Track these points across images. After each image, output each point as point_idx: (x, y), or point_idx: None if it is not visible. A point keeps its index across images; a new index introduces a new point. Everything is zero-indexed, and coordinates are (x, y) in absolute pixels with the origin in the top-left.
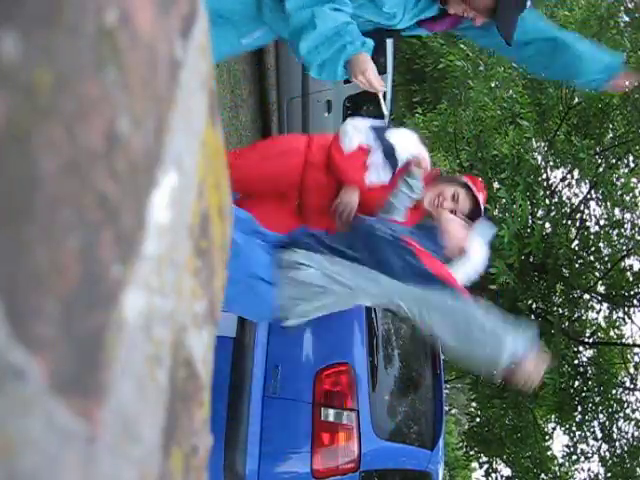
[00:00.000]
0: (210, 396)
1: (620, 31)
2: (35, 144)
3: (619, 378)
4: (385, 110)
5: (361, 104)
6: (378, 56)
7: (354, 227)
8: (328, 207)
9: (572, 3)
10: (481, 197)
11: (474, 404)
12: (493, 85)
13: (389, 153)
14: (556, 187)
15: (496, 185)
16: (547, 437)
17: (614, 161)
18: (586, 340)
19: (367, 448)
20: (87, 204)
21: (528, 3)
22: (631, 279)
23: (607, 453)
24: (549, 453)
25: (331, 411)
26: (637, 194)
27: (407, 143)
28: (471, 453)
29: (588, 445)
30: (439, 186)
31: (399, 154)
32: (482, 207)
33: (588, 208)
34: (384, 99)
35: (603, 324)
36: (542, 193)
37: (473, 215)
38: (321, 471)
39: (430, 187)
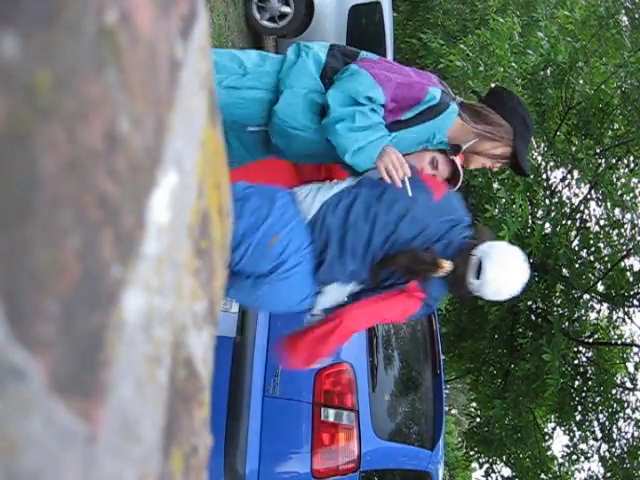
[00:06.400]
0: (210, 396)
1: (620, 31)
2: (35, 144)
3: (619, 378)
4: (409, 192)
5: None
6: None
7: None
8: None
9: (572, 3)
10: (457, 160)
11: (474, 404)
12: (493, 85)
13: None
14: (556, 187)
15: (496, 185)
16: (547, 437)
17: (614, 161)
18: (586, 340)
19: (367, 448)
20: (87, 204)
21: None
22: (631, 279)
23: (607, 453)
24: (549, 453)
25: (331, 411)
26: (637, 194)
27: None
28: (471, 453)
29: (588, 445)
30: (418, 154)
31: None
32: (460, 170)
33: (588, 208)
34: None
35: (603, 324)
36: (542, 193)
37: (453, 178)
38: (321, 471)
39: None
